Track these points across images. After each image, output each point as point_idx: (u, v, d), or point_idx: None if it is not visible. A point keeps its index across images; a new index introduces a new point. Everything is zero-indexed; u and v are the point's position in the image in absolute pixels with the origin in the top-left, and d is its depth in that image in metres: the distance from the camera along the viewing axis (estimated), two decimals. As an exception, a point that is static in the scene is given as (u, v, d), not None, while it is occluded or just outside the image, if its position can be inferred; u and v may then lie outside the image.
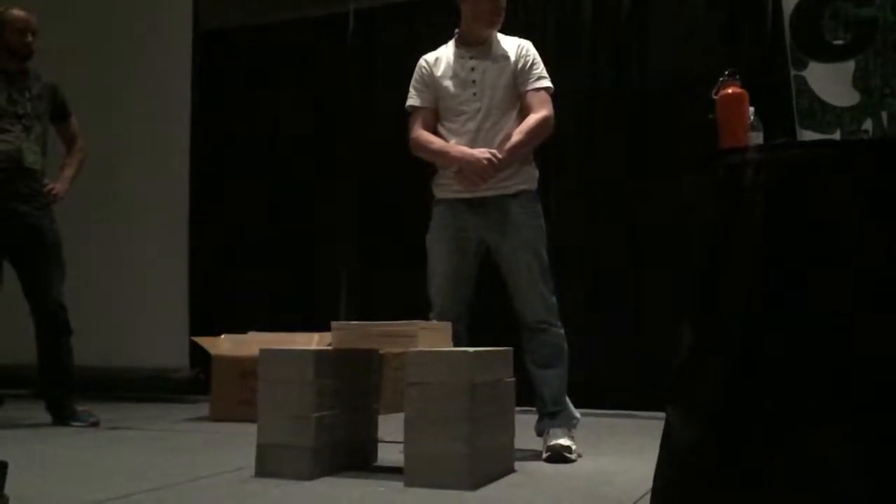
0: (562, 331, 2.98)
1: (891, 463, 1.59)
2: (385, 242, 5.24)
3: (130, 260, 4.02)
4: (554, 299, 2.98)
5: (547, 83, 3.00)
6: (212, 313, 5.35)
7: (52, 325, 3.87)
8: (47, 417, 3.94)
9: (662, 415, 1.86)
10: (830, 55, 3.92)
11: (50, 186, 3.92)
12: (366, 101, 5.43)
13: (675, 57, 4.61)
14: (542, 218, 3.02)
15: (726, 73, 2.11)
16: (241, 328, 4.53)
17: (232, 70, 5.78)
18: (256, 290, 5.52)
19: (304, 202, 5.52)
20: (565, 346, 2.98)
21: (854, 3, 3.89)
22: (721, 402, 1.76)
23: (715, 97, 2.09)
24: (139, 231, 4.11)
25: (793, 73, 3.99)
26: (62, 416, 3.86)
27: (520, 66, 2.98)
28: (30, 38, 3.85)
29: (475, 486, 2.38)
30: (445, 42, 3.13)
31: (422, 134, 3.00)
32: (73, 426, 3.79)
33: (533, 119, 2.92)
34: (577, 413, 2.99)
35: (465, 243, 3.00)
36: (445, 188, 3.02)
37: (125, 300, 4.07)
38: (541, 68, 3.01)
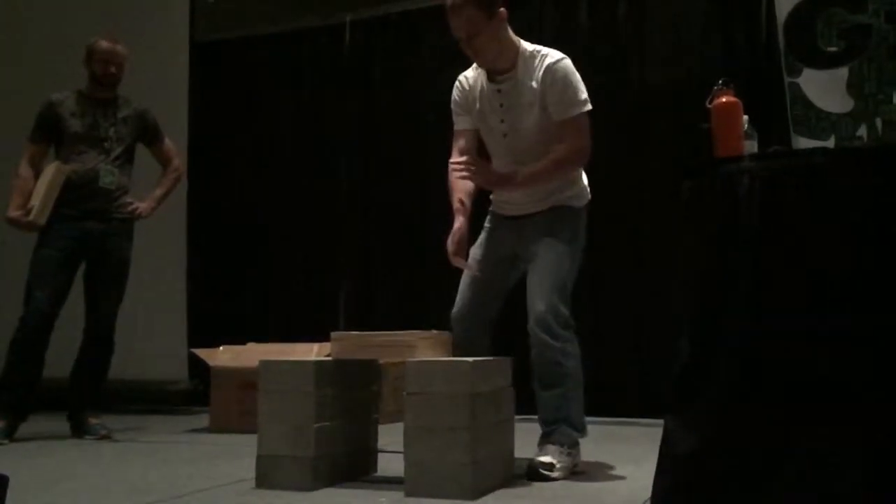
0: (565, 345, 2.74)
1: (894, 470, 1.60)
2: (384, 253, 5.25)
3: (129, 272, 4.06)
4: (563, 309, 2.77)
5: (578, 109, 2.80)
6: (210, 325, 5.35)
7: (96, 342, 4.03)
8: (51, 430, 3.97)
9: (662, 422, 1.87)
10: (824, 62, 3.94)
11: (135, 205, 4.07)
12: (363, 112, 5.45)
13: (671, 65, 4.64)
14: (574, 232, 2.89)
15: (720, 82, 2.13)
16: (239, 339, 4.53)
17: (228, 82, 5.80)
18: (255, 301, 5.53)
19: (302, 213, 5.53)
20: (568, 363, 2.74)
21: (847, 10, 3.91)
22: (721, 410, 1.77)
23: (709, 106, 2.10)
24: (137, 242, 4.13)
25: (787, 80, 4.01)
26: (78, 429, 3.97)
27: (548, 97, 2.80)
28: (113, 69, 4.02)
29: (475, 495, 2.38)
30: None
31: (450, 174, 2.92)
32: (86, 439, 3.88)
33: (559, 150, 2.80)
34: (573, 433, 2.78)
35: (495, 254, 2.96)
36: (493, 202, 3.05)
37: (124, 312, 4.09)
38: (571, 93, 2.79)
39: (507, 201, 2.99)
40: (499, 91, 2.88)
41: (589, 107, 2.83)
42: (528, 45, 2.89)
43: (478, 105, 2.94)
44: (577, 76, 2.84)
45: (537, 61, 2.83)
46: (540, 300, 2.75)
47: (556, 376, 2.74)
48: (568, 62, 2.84)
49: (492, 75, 2.90)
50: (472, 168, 2.76)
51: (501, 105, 2.88)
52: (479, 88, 2.94)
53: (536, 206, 2.91)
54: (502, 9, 2.81)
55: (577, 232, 2.91)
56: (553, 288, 2.76)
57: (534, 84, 2.81)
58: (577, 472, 2.81)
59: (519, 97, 2.84)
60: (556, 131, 2.81)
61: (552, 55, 2.84)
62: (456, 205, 2.92)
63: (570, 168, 2.87)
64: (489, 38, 2.79)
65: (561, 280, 2.79)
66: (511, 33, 2.88)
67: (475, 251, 3.00)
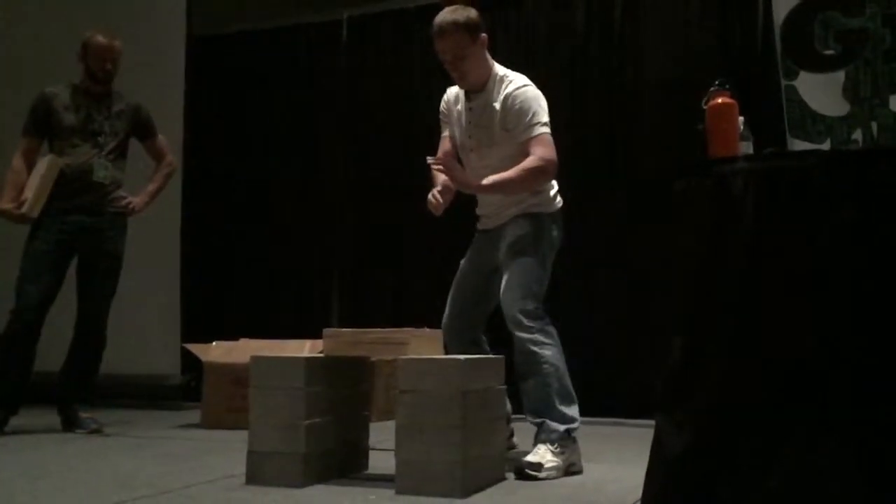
0: (536, 335, 2.82)
1: (887, 469, 1.60)
2: (378, 249, 5.25)
3: (122, 266, 4.05)
4: (530, 304, 2.85)
5: (537, 130, 2.89)
6: (203, 320, 5.34)
7: (88, 336, 4.03)
8: (42, 424, 3.97)
9: (653, 422, 1.86)
10: (821, 65, 3.94)
11: (128, 200, 4.07)
12: (359, 108, 5.44)
13: (667, 67, 4.64)
14: (540, 237, 2.96)
15: (716, 83, 2.13)
16: (232, 335, 4.53)
17: (225, 77, 5.78)
18: (248, 297, 5.52)
19: (296, 209, 5.52)
20: (542, 351, 2.81)
21: (844, 13, 3.92)
22: (712, 410, 1.77)
23: (705, 107, 2.10)
24: (131, 237, 4.13)
25: (783, 83, 4.01)
26: (69, 423, 3.96)
27: (508, 120, 2.92)
28: (109, 65, 4.02)
29: (466, 493, 2.38)
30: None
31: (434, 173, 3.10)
32: (76, 433, 3.87)
33: (524, 163, 2.88)
34: (559, 426, 2.78)
35: (477, 266, 3.12)
36: (478, 219, 3.18)
37: (116, 306, 4.08)
38: (530, 115, 2.89)
39: (485, 215, 3.14)
40: (470, 109, 3.04)
41: (548, 130, 2.92)
42: (500, 69, 3.04)
43: (454, 118, 3.11)
44: (539, 102, 2.95)
45: (504, 85, 2.97)
46: (507, 303, 2.89)
47: (530, 365, 2.82)
48: (530, 89, 2.96)
49: (467, 93, 3.05)
50: (448, 167, 2.89)
51: (470, 122, 3.03)
52: (458, 104, 3.11)
53: (504, 218, 3.04)
54: (483, 34, 2.97)
55: (543, 237, 2.98)
56: (518, 288, 2.88)
57: (496, 105, 2.95)
58: (573, 471, 2.81)
59: (485, 117, 2.99)
60: (522, 150, 2.90)
61: (517, 81, 2.98)
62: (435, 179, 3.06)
63: (537, 178, 2.92)
64: (473, 61, 2.95)
65: (527, 282, 2.90)
66: (488, 56, 3.03)
67: (463, 264, 3.17)
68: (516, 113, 2.90)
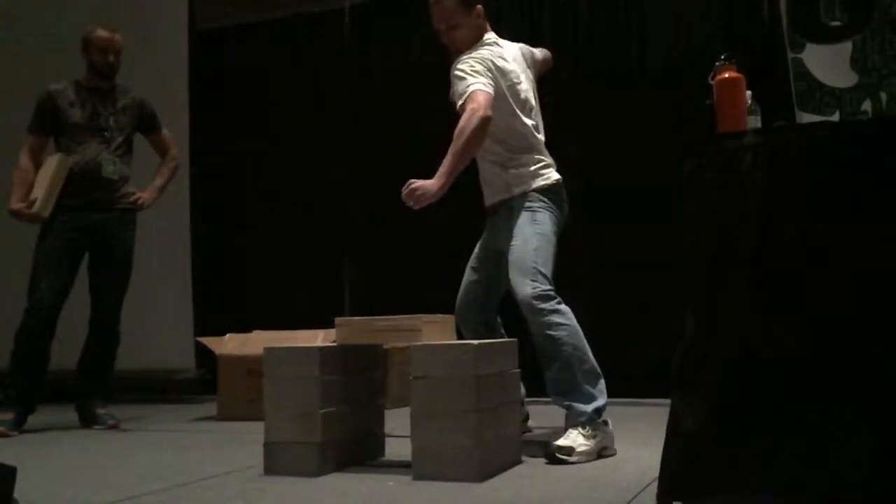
0: (549, 317, 2.78)
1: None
2: (388, 237, 5.25)
3: (134, 261, 4.06)
4: (538, 286, 2.81)
5: (464, 91, 2.79)
6: (216, 313, 5.36)
7: (101, 332, 4.05)
8: (59, 421, 4.00)
9: (668, 402, 1.86)
10: (827, 36, 3.87)
11: (137, 195, 4.07)
12: (363, 96, 5.43)
13: (672, 41, 4.61)
14: (534, 214, 2.93)
15: (723, 57, 2.10)
16: (245, 327, 4.54)
17: (229, 68, 5.78)
18: (260, 289, 5.53)
19: (305, 199, 5.52)
20: (558, 333, 2.76)
21: (850, -18, 3.87)
22: (726, 387, 1.77)
23: (712, 82, 2.08)
24: (141, 232, 4.14)
25: (790, 55, 3.97)
26: (86, 419, 3.99)
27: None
28: (111, 58, 4.01)
29: (483, 477, 2.39)
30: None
31: None
32: (94, 429, 3.90)
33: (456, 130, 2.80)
34: (586, 407, 2.75)
35: (487, 249, 3.12)
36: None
37: (130, 302, 4.10)
38: (458, 82, 2.83)
39: (485, 186, 3.09)
40: None
41: (476, 85, 2.78)
42: (492, 37, 3.02)
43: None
44: (471, 62, 2.84)
45: None
46: (515, 287, 2.86)
47: (550, 350, 2.79)
48: (470, 55, 2.86)
49: None
50: (407, 197, 2.76)
51: None
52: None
53: (498, 196, 3.01)
54: (479, 6, 2.96)
55: (537, 215, 2.93)
56: (523, 271, 2.84)
57: None
58: (606, 455, 2.76)
59: None
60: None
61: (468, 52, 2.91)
62: None
63: (465, 137, 2.72)
64: (466, 31, 2.96)
65: (530, 260, 2.85)
66: (487, 29, 3.02)
67: (477, 247, 3.17)
68: (453, 81, 2.86)
